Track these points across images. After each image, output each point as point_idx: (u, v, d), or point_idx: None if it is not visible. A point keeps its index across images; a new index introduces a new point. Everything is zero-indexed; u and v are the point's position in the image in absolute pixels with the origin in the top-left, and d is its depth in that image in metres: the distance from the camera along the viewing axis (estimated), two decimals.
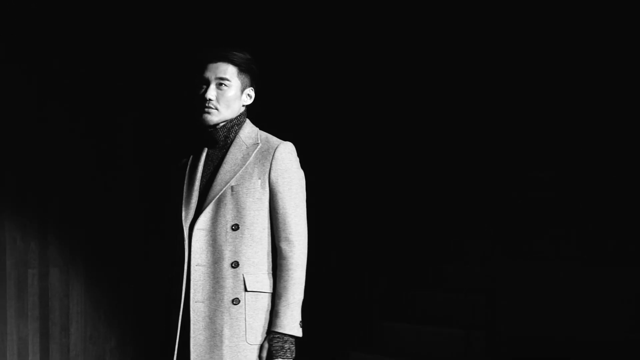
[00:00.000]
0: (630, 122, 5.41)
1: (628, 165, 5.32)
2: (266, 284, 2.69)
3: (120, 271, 4.54)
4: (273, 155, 2.70)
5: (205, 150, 2.73)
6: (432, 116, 6.32)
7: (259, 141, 2.73)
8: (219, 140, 2.71)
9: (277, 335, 2.66)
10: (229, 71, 2.64)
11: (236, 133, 2.72)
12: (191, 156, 2.76)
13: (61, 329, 4.21)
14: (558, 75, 5.91)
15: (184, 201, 2.67)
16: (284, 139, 2.83)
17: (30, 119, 4.07)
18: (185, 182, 2.70)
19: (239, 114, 2.71)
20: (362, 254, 5.79)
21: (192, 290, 2.61)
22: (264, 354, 2.66)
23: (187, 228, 2.63)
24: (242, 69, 2.67)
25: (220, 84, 2.63)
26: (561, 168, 5.85)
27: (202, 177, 2.70)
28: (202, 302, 2.61)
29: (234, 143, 2.71)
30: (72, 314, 4.28)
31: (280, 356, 2.65)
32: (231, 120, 2.69)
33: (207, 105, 2.62)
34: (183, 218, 2.65)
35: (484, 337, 5.09)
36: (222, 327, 2.61)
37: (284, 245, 2.72)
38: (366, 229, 5.82)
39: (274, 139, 2.76)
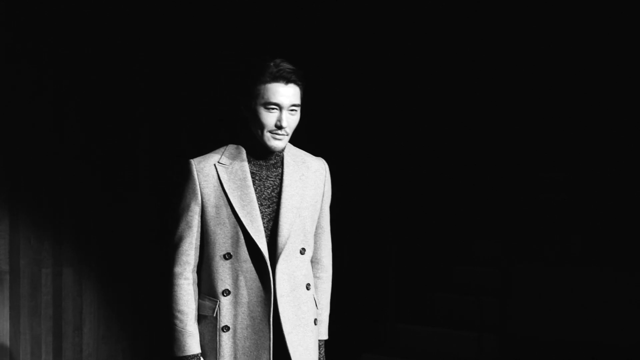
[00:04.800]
0: None
1: None
2: None
3: (134, 271, 4.55)
4: (325, 177, 2.71)
5: (246, 165, 2.57)
6: (444, 119, 6.30)
7: (305, 160, 2.67)
8: (271, 158, 2.60)
9: (322, 344, 2.76)
10: (299, 95, 2.53)
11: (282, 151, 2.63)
12: (216, 166, 2.57)
13: (74, 329, 4.22)
14: (569, 80, 5.89)
15: (249, 226, 2.50)
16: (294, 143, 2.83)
17: (45, 121, 4.08)
18: (235, 201, 2.52)
19: None
20: (374, 256, 5.79)
21: (282, 322, 2.53)
22: None
23: (268, 257, 2.52)
24: (303, 89, 2.57)
25: (292, 110, 2.52)
26: (573, 170, 5.84)
27: (260, 198, 2.55)
28: (292, 332, 2.55)
29: (286, 162, 2.61)
30: (85, 314, 4.29)
31: None
32: None
33: (280, 132, 2.50)
34: (260, 246, 2.51)
35: (495, 339, 5.08)
36: (313, 350, 2.63)
37: (327, 260, 2.78)
38: (379, 231, 5.81)
39: (312, 156, 2.72)
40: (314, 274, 2.75)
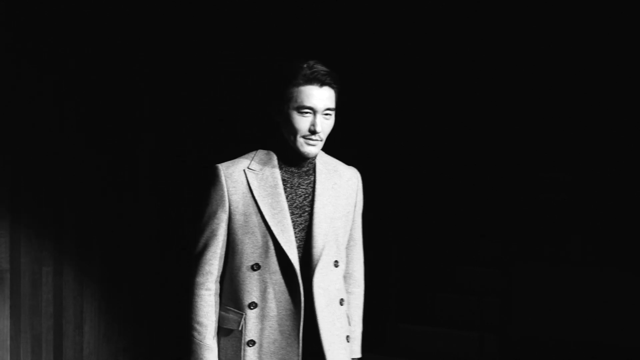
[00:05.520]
0: None
1: None
2: None
3: (134, 271, 4.55)
4: (357, 186, 2.61)
5: (278, 171, 2.43)
6: (444, 119, 6.30)
7: (337, 168, 2.55)
8: (303, 166, 2.47)
9: None
10: (334, 99, 2.39)
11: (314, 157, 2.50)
12: (245, 172, 2.41)
13: (75, 327, 4.21)
14: (569, 80, 5.89)
15: (279, 236, 2.36)
16: None
17: (45, 121, 4.08)
18: (265, 209, 2.37)
19: None
20: (375, 256, 5.78)
21: (322, 338, 2.39)
22: None
23: (299, 269, 2.37)
24: (338, 92, 2.43)
25: (327, 114, 2.38)
26: (574, 170, 5.84)
27: (291, 206, 2.41)
28: (329, 349, 2.40)
29: (318, 170, 2.48)
30: (86, 313, 4.28)
31: None
32: None
33: (314, 138, 2.37)
34: (291, 257, 2.36)
35: (497, 339, 5.08)
36: None
37: (359, 274, 2.68)
38: (379, 231, 5.81)
39: (344, 165, 2.61)
40: (346, 289, 2.61)
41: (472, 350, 5.13)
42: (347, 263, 2.61)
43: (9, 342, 3.83)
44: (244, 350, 2.38)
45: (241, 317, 2.39)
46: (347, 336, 2.51)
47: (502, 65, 6.14)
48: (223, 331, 2.44)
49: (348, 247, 2.60)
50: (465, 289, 5.67)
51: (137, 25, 4.57)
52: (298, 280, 2.36)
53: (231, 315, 2.42)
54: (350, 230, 2.59)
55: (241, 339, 2.39)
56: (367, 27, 5.94)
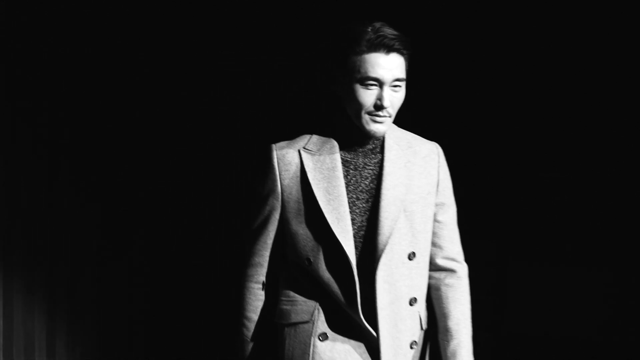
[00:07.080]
0: None
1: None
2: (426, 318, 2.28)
3: (130, 269, 4.57)
4: (439, 162, 2.27)
5: (337, 152, 2.15)
6: (442, 118, 6.30)
7: (411, 144, 2.25)
8: (369, 143, 2.18)
9: None
10: (404, 67, 2.10)
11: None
12: (300, 153, 2.16)
13: (69, 326, 4.23)
14: (571, 80, 5.87)
15: (334, 225, 2.08)
16: None
17: (44, 120, 4.12)
18: (320, 195, 2.10)
19: None
20: None
21: (381, 341, 2.09)
22: None
23: (355, 262, 2.09)
24: (409, 60, 2.13)
25: (396, 86, 2.09)
26: (571, 170, 5.82)
27: (356, 190, 2.14)
28: (386, 352, 2.12)
29: (387, 146, 2.18)
30: (80, 311, 4.30)
31: None
32: None
33: (381, 114, 2.09)
34: (346, 249, 2.08)
35: (491, 338, 5.09)
36: None
37: (452, 264, 2.32)
38: None
39: (422, 140, 2.31)
40: (440, 282, 2.29)
41: None
42: (436, 253, 2.28)
43: (1, 341, 3.84)
44: (314, 345, 2.11)
45: (311, 308, 2.15)
46: (414, 341, 2.19)
47: (501, 65, 6.13)
48: (284, 327, 2.19)
49: (435, 235, 2.27)
50: None
51: (137, 26, 4.59)
52: (354, 275, 2.08)
53: (298, 307, 2.17)
54: (435, 214, 2.26)
55: (311, 332, 2.13)
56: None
